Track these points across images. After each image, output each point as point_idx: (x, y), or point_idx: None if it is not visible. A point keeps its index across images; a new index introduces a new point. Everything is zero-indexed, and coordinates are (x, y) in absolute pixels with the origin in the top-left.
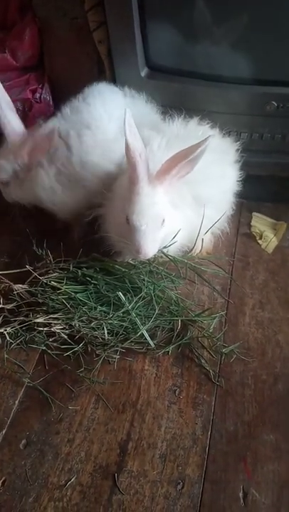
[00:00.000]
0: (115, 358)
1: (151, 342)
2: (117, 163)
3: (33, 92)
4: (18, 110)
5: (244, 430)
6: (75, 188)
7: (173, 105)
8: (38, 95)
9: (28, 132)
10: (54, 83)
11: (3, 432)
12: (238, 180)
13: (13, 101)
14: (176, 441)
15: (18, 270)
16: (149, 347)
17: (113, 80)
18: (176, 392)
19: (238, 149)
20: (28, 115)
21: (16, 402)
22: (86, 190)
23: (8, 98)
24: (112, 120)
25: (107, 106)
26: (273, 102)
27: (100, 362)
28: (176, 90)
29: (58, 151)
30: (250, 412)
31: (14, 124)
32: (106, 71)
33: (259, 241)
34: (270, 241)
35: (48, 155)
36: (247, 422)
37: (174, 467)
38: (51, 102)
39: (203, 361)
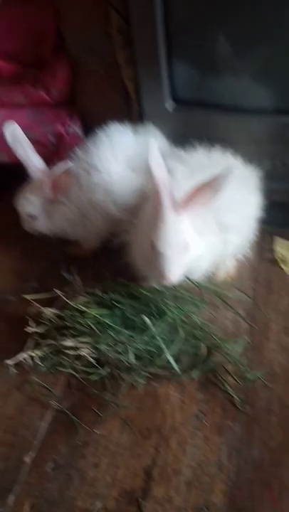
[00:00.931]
0: (140, 383)
1: (176, 367)
2: (118, 204)
3: (64, 125)
4: (50, 143)
5: (270, 457)
6: (90, 223)
7: (197, 136)
8: (68, 129)
9: (48, 170)
10: (84, 117)
11: (32, 454)
12: (260, 207)
13: (45, 134)
14: (201, 468)
15: (47, 295)
16: (174, 372)
17: (140, 114)
18: (201, 417)
19: (260, 177)
20: (59, 148)
21: (44, 425)
22: (98, 225)
23: (27, 139)
24: (118, 162)
25: (114, 149)
26: None
27: (126, 386)
28: (200, 121)
29: (72, 188)
30: (276, 439)
31: (36, 163)
32: (133, 105)
33: (282, 266)
34: None
35: (66, 192)
36: (273, 449)
37: (198, 494)
38: (81, 136)
39: (228, 387)
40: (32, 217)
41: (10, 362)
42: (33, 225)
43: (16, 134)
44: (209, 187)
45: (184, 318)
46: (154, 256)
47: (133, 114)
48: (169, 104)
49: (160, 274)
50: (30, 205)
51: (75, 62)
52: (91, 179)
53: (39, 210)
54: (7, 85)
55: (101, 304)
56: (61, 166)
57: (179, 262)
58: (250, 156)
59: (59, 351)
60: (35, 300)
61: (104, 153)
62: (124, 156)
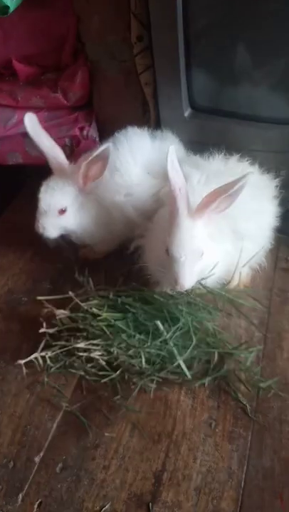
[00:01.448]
0: (151, 387)
1: (187, 373)
2: (137, 208)
3: (81, 129)
4: (66, 146)
5: (281, 467)
6: (114, 225)
7: (214, 143)
8: (85, 133)
9: (74, 164)
10: (101, 122)
11: (41, 454)
12: (276, 216)
13: (62, 137)
14: (212, 475)
15: (60, 296)
16: (186, 378)
17: (157, 120)
18: (212, 425)
19: (276, 185)
20: (75, 151)
21: (54, 425)
22: (120, 228)
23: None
24: (137, 165)
25: (133, 152)
26: None
27: (137, 390)
28: (217, 129)
29: (99, 185)
30: (287, 449)
31: (59, 153)
32: (150, 111)
33: None
34: None
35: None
36: (284, 459)
37: (208, 500)
38: (97, 140)
39: (240, 395)
40: (62, 210)
41: (22, 362)
42: (57, 223)
43: (34, 125)
44: (225, 194)
45: (197, 325)
46: (168, 261)
47: (150, 119)
48: (187, 111)
49: (174, 280)
50: (62, 195)
51: (93, 67)
52: (113, 180)
53: (70, 202)
54: (26, 88)
55: (114, 307)
56: (97, 149)
57: (193, 268)
58: (267, 165)
59: (71, 353)
60: (48, 301)
61: (124, 156)
62: (143, 159)
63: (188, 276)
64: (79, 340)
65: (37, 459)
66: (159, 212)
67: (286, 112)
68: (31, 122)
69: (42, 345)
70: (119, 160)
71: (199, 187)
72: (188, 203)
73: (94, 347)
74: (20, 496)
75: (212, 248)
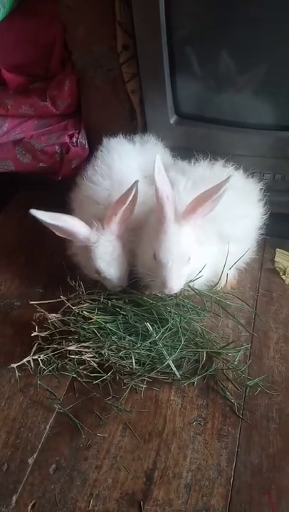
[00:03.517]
0: (142, 388)
1: (177, 372)
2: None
3: (71, 136)
4: (56, 153)
5: (269, 463)
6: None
7: (199, 149)
8: (74, 140)
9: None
10: (90, 129)
11: (35, 456)
12: (261, 218)
13: (52, 145)
14: (201, 472)
15: (52, 300)
16: (175, 377)
17: (144, 126)
18: (201, 423)
19: (261, 189)
20: (65, 158)
21: (47, 427)
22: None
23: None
24: (131, 173)
25: (121, 160)
26: None
27: (128, 391)
28: (203, 135)
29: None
30: (274, 446)
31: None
32: (137, 118)
33: (283, 276)
34: None
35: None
36: (271, 455)
37: (198, 497)
38: (86, 146)
39: (228, 393)
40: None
41: (15, 365)
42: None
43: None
44: (210, 198)
45: (186, 325)
46: (157, 266)
47: (137, 126)
48: (173, 118)
49: (162, 284)
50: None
51: (81, 75)
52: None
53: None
54: (15, 97)
55: (104, 310)
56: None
57: (180, 272)
58: (251, 169)
59: (63, 356)
60: (40, 305)
61: (115, 165)
62: (130, 167)
63: (176, 280)
64: (71, 343)
65: (30, 461)
66: (147, 218)
67: (269, 118)
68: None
69: (34, 348)
70: (109, 169)
71: (185, 193)
72: (174, 210)
73: (85, 349)
74: (14, 497)
75: (199, 252)
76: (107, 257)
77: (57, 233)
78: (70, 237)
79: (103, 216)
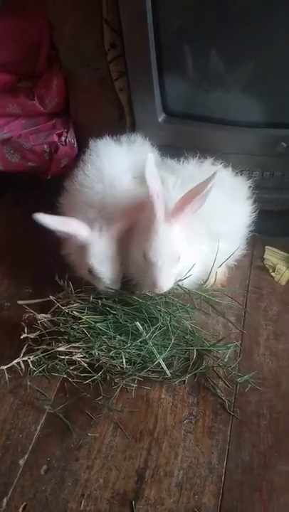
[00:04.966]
0: (133, 387)
1: (167, 371)
2: None
3: (59, 135)
4: (45, 152)
5: (259, 460)
6: None
7: (188, 147)
8: (63, 139)
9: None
10: (78, 127)
11: (25, 457)
12: (250, 216)
13: (41, 144)
14: (193, 470)
15: (41, 300)
16: (166, 376)
17: (132, 125)
18: (192, 421)
19: (250, 187)
20: (54, 157)
21: (38, 428)
22: None
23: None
24: (121, 174)
25: (111, 162)
26: (283, 143)
27: (118, 390)
28: (191, 133)
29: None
30: (265, 443)
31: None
32: (126, 116)
33: (272, 274)
34: (283, 274)
35: None
36: (262, 452)
37: (190, 495)
38: (75, 145)
39: (218, 391)
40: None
41: (4, 367)
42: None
43: None
44: (198, 195)
45: (176, 324)
46: (146, 265)
47: (126, 125)
48: (161, 116)
49: (152, 283)
50: None
51: (69, 74)
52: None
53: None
54: (2, 96)
55: (94, 309)
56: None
57: (170, 271)
58: (240, 167)
59: (53, 356)
60: (30, 306)
61: (105, 168)
62: (120, 169)
63: (166, 280)
64: (61, 344)
65: (21, 462)
66: (138, 217)
67: (257, 116)
68: None
69: (24, 349)
70: (99, 172)
71: (174, 191)
72: (165, 209)
73: (75, 350)
74: (5, 500)
75: (189, 251)
76: (102, 256)
77: (57, 233)
78: (69, 237)
79: (97, 219)
